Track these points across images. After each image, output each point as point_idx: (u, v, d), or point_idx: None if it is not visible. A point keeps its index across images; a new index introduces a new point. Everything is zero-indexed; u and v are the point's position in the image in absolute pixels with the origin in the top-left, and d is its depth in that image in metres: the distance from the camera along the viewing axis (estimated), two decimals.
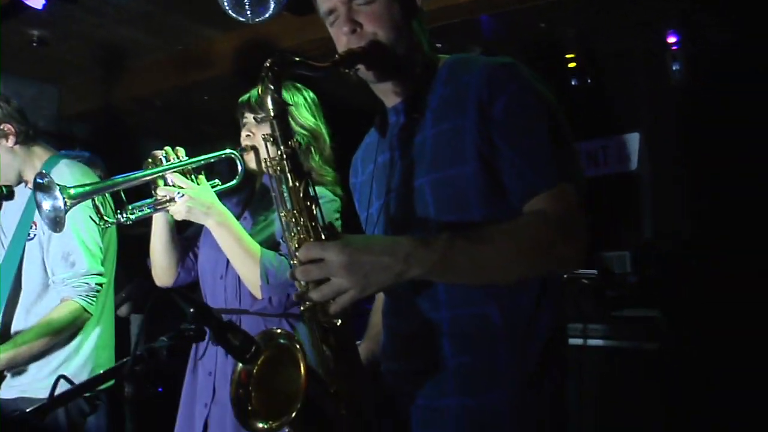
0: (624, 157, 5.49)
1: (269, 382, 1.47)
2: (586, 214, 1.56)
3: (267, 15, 4.27)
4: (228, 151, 2.44)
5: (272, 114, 1.53)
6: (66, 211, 2.10)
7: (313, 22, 4.78)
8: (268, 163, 1.58)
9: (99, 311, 2.92)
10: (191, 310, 1.28)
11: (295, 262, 1.50)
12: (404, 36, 1.68)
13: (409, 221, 1.68)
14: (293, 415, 1.37)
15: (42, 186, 2.13)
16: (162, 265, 2.54)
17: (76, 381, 2.81)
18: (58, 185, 2.10)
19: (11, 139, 2.86)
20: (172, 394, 5.32)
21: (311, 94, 2.56)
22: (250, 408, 1.46)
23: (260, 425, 1.43)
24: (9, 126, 2.85)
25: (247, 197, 2.62)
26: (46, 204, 2.12)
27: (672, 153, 5.22)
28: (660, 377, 3.38)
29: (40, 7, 4.64)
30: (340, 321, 1.52)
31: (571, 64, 5.35)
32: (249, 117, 2.50)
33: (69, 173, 2.83)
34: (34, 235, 2.86)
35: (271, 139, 1.55)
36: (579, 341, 3.53)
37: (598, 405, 3.47)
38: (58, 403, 1.15)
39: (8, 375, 2.87)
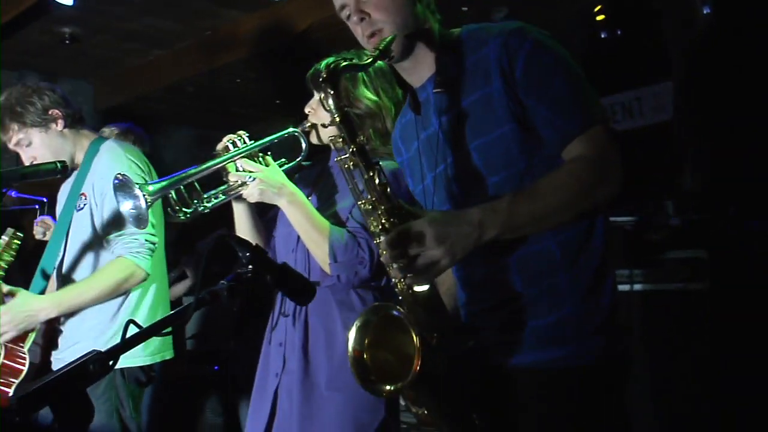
0: (659, 107, 5.43)
1: (383, 348, 1.67)
2: (617, 147, 1.75)
3: None
4: (291, 129, 2.48)
5: (337, 119, 1.72)
6: (148, 208, 2.16)
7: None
8: (340, 162, 1.74)
9: (152, 271, 3.02)
10: (247, 254, 1.33)
11: (381, 241, 1.67)
12: (410, 19, 1.86)
13: (465, 185, 1.87)
14: (413, 375, 1.57)
15: (119, 185, 2.19)
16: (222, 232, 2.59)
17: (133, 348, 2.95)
18: (137, 184, 2.16)
19: (60, 123, 3.03)
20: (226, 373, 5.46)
21: (381, 63, 2.58)
22: (372, 377, 1.66)
23: (387, 387, 1.63)
24: (57, 111, 3.02)
25: (317, 175, 2.66)
26: (127, 204, 2.18)
27: (705, 101, 5.16)
28: (708, 317, 3.37)
29: (70, 3, 4.74)
30: (430, 287, 1.72)
31: (600, 17, 5.30)
32: (315, 93, 2.54)
33: (121, 149, 3.01)
34: (83, 206, 3.00)
35: (340, 140, 1.72)
36: (626, 287, 3.53)
37: (647, 349, 3.47)
38: (129, 345, 1.19)
39: (62, 346, 3.00)
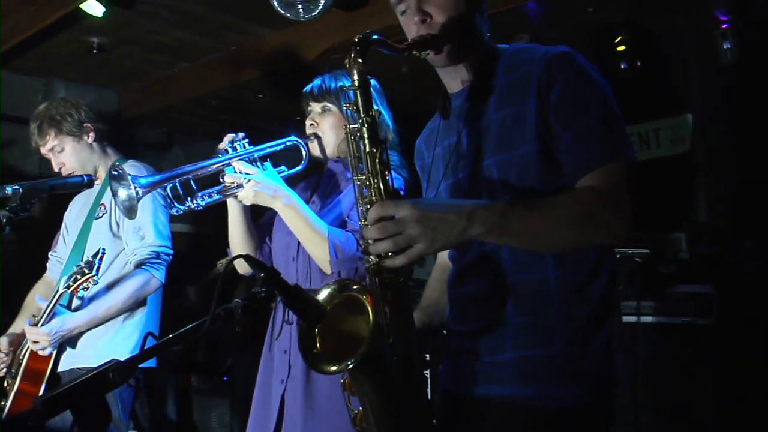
0: (677, 139, 5.46)
1: (337, 327, 1.60)
2: (634, 191, 1.68)
3: (317, 12, 4.38)
4: (292, 138, 2.56)
5: (356, 85, 1.67)
6: (138, 200, 2.24)
7: (360, 18, 4.90)
8: (347, 130, 1.72)
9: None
10: (262, 274, 1.39)
11: (365, 222, 1.64)
12: (468, 27, 1.86)
13: (480, 198, 1.83)
14: (357, 358, 1.49)
15: (116, 177, 2.28)
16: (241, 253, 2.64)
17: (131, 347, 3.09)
18: (130, 175, 2.24)
19: (92, 136, 3.38)
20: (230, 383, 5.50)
21: (375, 82, 2.66)
22: (315, 351, 1.58)
23: (326, 367, 1.55)
24: (89, 125, 3.37)
25: (315, 183, 2.72)
26: (122, 193, 2.26)
27: (724, 134, 5.18)
28: (714, 353, 3.40)
29: (99, 14, 4.84)
30: (401, 278, 1.66)
31: (620, 48, 5.34)
32: (313, 106, 2.62)
33: (136, 171, 3.16)
34: (103, 214, 3.28)
35: (354, 107, 1.69)
36: (633, 318, 3.57)
37: (652, 381, 3.50)
38: (147, 355, 1.26)
39: (68, 348, 3.22)
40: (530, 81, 1.77)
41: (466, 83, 1.93)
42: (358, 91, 1.68)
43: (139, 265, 3.18)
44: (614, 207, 1.66)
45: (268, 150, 2.50)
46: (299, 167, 2.57)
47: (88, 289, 2.98)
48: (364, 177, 1.69)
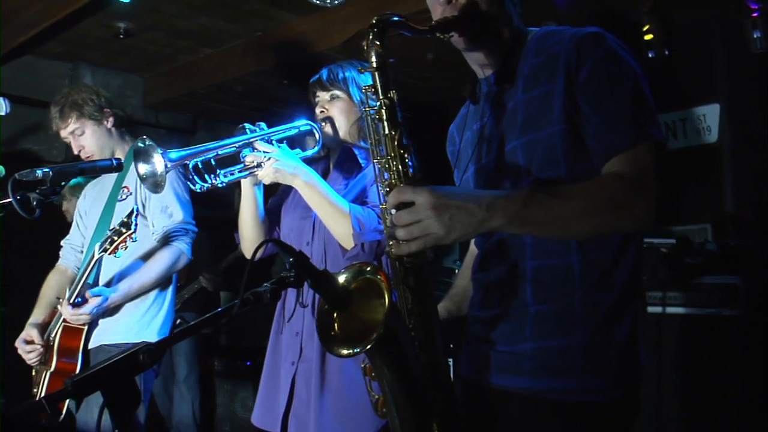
0: (704, 129, 5.40)
1: (354, 310, 1.58)
2: (660, 175, 1.64)
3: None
4: (305, 121, 2.57)
5: (374, 66, 1.66)
6: (166, 173, 2.24)
7: (387, 5, 4.88)
8: (365, 113, 1.71)
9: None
10: (290, 258, 1.39)
11: (385, 206, 1.63)
12: (496, 9, 1.82)
13: (504, 182, 1.80)
14: (372, 341, 1.47)
15: (142, 152, 2.27)
16: (251, 238, 2.65)
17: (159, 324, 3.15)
18: (159, 149, 2.24)
19: (111, 121, 3.48)
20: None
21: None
22: (333, 333, 1.57)
23: (342, 350, 1.53)
24: (109, 110, 3.47)
25: (325, 168, 2.74)
26: (146, 167, 2.26)
27: (752, 124, 5.12)
28: (740, 344, 3.37)
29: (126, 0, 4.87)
30: (422, 263, 1.64)
31: (647, 36, 5.28)
32: (321, 95, 2.64)
33: None
34: (127, 196, 3.36)
35: (372, 90, 1.68)
36: (658, 309, 3.55)
37: (677, 372, 3.48)
38: (178, 338, 1.27)
39: (98, 325, 3.29)
40: (558, 60, 1.73)
41: (495, 67, 1.89)
42: (376, 73, 1.66)
43: (169, 241, 3.27)
44: (639, 193, 1.61)
45: (283, 133, 2.52)
46: (315, 149, 2.59)
47: (126, 248, 3.02)
48: (384, 160, 1.68)
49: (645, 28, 5.29)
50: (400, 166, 1.65)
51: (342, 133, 2.61)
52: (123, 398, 1.18)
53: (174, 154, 2.24)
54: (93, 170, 2.72)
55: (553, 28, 1.87)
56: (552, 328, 1.71)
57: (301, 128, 2.57)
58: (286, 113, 2.74)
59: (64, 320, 3.20)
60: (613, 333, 1.69)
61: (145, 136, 2.25)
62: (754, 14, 4.90)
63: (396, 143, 1.65)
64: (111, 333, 3.26)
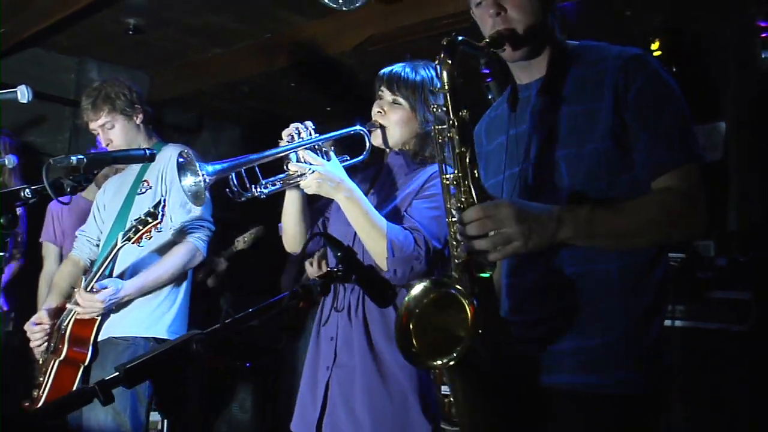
0: (710, 146, 5.42)
1: (431, 322, 1.64)
2: (707, 192, 1.78)
3: (359, 3, 4.36)
4: (357, 127, 2.54)
5: (446, 87, 1.75)
6: (206, 187, 2.23)
7: (398, 10, 4.89)
8: (435, 132, 1.80)
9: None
10: (339, 253, 1.39)
11: (453, 219, 1.73)
12: (541, 23, 1.91)
13: (543, 189, 1.89)
14: (456, 356, 1.58)
15: (183, 164, 2.27)
16: (292, 233, 2.63)
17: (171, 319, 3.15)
18: (198, 162, 2.23)
19: (140, 118, 3.54)
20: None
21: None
22: (414, 350, 1.63)
23: (424, 362, 1.63)
24: (140, 106, 3.53)
25: (373, 175, 2.72)
26: (188, 180, 2.25)
27: (758, 142, 5.14)
28: (749, 359, 3.38)
29: None
30: (488, 273, 1.72)
31: (657, 53, 5.30)
32: (384, 93, 2.57)
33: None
34: (146, 190, 3.39)
35: (444, 109, 1.76)
36: (667, 322, 3.54)
37: (684, 386, 3.48)
38: (229, 328, 1.26)
39: (109, 317, 3.28)
40: (604, 80, 1.84)
41: (537, 77, 1.97)
42: (448, 94, 1.75)
43: (186, 238, 3.28)
44: (695, 208, 1.76)
45: (332, 138, 2.48)
46: (361, 157, 2.56)
47: (150, 238, 3.01)
48: (452, 177, 1.76)
49: (654, 45, 5.30)
50: (470, 183, 1.72)
51: (392, 142, 2.57)
52: (172, 389, 1.17)
53: (211, 167, 2.23)
54: (126, 159, 2.75)
55: (592, 43, 1.98)
56: (590, 328, 1.81)
57: (351, 133, 2.55)
58: (294, 116, 2.71)
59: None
60: (647, 332, 1.81)
61: (186, 149, 2.26)
62: (763, 34, 4.91)
63: (467, 160, 1.73)
64: (121, 326, 3.26)
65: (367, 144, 2.55)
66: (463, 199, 1.72)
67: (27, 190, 2.12)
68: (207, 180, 2.21)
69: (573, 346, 1.81)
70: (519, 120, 1.99)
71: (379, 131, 2.55)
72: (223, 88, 6.55)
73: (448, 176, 1.77)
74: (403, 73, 2.56)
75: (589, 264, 1.82)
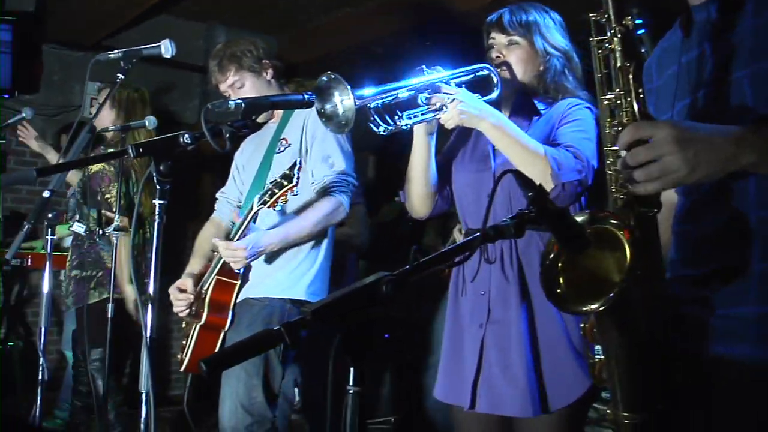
0: None
1: (583, 262, 1.46)
2: None
3: None
4: (484, 65, 2.42)
5: None
6: (355, 110, 2.10)
7: None
8: (594, 44, 1.57)
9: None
10: (530, 193, 1.27)
11: (612, 148, 1.50)
12: None
13: (722, 116, 1.58)
14: (609, 301, 1.37)
15: (324, 86, 2.16)
16: (420, 194, 2.53)
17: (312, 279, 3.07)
18: (348, 84, 2.11)
19: (270, 73, 3.42)
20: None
21: (558, 15, 2.52)
22: (559, 291, 1.47)
23: (573, 307, 1.44)
24: (268, 61, 3.41)
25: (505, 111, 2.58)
26: (329, 106, 2.15)
27: None
28: None
29: None
30: (653, 211, 1.50)
31: None
32: (498, 37, 2.47)
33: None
34: (285, 148, 3.29)
35: (603, 19, 1.53)
36: None
37: None
38: (419, 269, 1.16)
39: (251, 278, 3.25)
40: None
41: None
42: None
43: (328, 191, 3.15)
44: None
45: (461, 77, 2.36)
46: (494, 95, 2.41)
47: (287, 202, 2.94)
48: (613, 96, 1.53)
49: None
50: (633, 102, 1.49)
51: (518, 80, 2.46)
52: (359, 334, 1.08)
53: (364, 91, 2.12)
54: (285, 104, 2.67)
55: None
56: None
57: (478, 74, 2.42)
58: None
59: (218, 273, 3.17)
60: None
61: (329, 72, 2.14)
62: None
63: (631, 76, 1.50)
64: (259, 287, 3.22)
65: (496, 80, 2.40)
66: (625, 121, 1.49)
67: (186, 135, 2.08)
68: (357, 103, 2.09)
69: (756, 311, 1.51)
70: (693, 44, 1.72)
71: (507, 71, 2.44)
72: (353, 51, 6.45)
73: (608, 96, 1.54)
74: (513, 13, 2.45)
75: None
